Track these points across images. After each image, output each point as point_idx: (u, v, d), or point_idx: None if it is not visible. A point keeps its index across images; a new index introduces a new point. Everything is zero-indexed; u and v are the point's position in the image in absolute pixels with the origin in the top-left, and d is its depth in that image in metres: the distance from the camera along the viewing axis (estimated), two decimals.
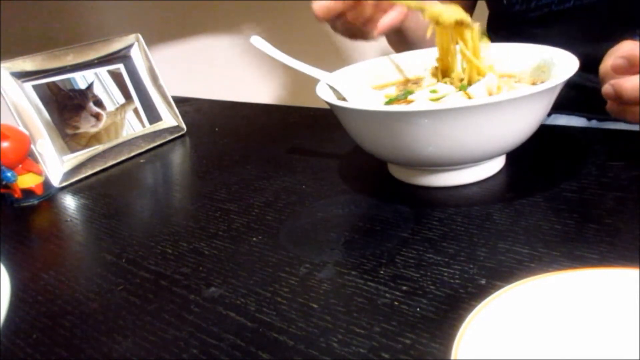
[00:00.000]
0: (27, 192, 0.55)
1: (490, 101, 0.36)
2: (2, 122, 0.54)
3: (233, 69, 1.42)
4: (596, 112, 0.64)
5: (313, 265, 0.37)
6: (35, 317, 0.36)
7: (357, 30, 0.55)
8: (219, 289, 0.36)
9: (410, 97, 0.49)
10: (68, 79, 0.64)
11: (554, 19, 0.62)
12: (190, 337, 0.32)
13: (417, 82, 0.55)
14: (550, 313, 0.26)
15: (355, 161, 0.54)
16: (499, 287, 0.28)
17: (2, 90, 0.58)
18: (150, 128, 0.70)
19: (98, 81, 0.67)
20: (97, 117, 0.65)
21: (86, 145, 0.63)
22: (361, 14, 0.53)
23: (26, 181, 0.55)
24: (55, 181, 0.59)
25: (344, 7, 0.51)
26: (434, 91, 0.48)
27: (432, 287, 0.33)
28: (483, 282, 0.33)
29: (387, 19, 0.53)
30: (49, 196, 0.57)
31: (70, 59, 0.65)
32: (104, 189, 0.58)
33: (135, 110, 0.70)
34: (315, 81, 0.50)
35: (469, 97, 0.45)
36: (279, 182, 0.52)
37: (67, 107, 0.63)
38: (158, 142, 0.70)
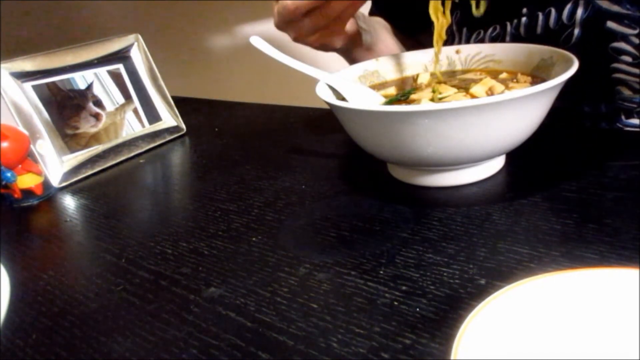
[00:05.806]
0: (27, 193, 0.55)
1: (490, 101, 0.36)
2: (2, 122, 0.54)
3: (233, 69, 1.42)
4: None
5: (313, 265, 0.37)
6: (35, 317, 0.36)
7: (325, 33, 0.57)
8: (219, 289, 0.36)
9: (410, 97, 0.49)
10: (68, 79, 0.64)
11: None
12: (190, 337, 0.32)
13: (416, 79, 0.55)
14: (550, 313, 0.26)
15: (355, 161, 0.54)
16: (499, 287, 0.28)
17: (2, 90, 0.58)
18: (150, 128, 0.70)
19: (98, 81, 0.67)
20: (97, 117, 0.65)
21: (86, 146, 0.63)
22: (331, 10, 0.53)
23: (26, 181, 0.55)
24: (55, 181, 0.59)
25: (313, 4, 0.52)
26: (435, 91, 0.48)
27: (431, 287, 0.33)
28: (483, 282, 0.33)
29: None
30: (48, 196, 0.57)
31: (70, 59, 0.65)
32: (104, 189, 0.58)
33: (135, 111, 0.70)
34: (315, 81, 0.50)
35: (472, 97, 0.45)
36: (279, 182, 0.52)
37: (66, 107, 0.63)
38: (158, 142, 0.70)
